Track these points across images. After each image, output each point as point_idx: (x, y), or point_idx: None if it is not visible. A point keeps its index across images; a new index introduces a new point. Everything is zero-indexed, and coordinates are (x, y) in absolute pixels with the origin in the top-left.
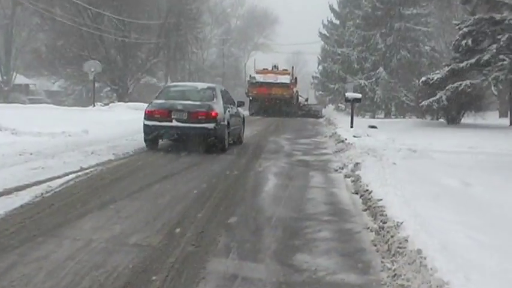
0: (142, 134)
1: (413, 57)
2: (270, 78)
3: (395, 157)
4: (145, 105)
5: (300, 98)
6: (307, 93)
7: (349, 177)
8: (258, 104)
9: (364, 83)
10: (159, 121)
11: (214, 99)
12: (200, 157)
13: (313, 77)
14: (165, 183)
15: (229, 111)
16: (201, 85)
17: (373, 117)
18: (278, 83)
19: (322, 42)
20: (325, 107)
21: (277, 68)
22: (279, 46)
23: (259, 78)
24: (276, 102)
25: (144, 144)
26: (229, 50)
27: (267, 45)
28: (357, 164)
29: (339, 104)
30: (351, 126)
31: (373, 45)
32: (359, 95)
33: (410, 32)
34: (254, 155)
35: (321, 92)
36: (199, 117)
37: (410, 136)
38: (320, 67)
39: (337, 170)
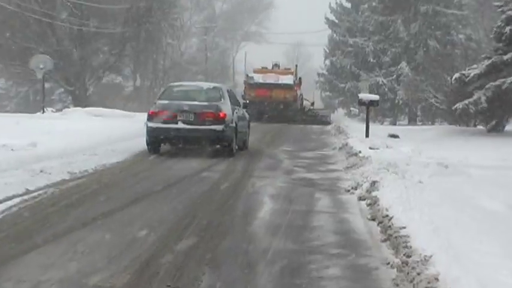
0: (145, 137)
1: (444, 49)
2: (271, 78)
3: (422, 174)
4: (110, 110)
5: (304, 101)
6: (312, 96)
7: (364, 200)
8: (256, 108)
9: (383, 82)
10: (164, 123)
11: (222, 99)
12: (177, 176)
13: (318, 74)
14: (134, 208)
15: (236, 112)
16: (206, 84)
17: (394, 124)
18: (280, 84)
19: (330, 31)
20: (333, 112)
21: (279, 67)
22: (275, 36)
23: (258, 78)
24: (277, 107)
25: (107, 159)
26: (213, 40)
27: (261, 34)
28: (373, 182)
29: (351, 108)
30: (366, 136)
31: (394, 34)
32: (376, 97)
33: (440, 17)
34: (245, 172)
35: (328, 93)
36: (207, 119)
37: (441, 147)
38: (327, 62)
39: (349, 191)
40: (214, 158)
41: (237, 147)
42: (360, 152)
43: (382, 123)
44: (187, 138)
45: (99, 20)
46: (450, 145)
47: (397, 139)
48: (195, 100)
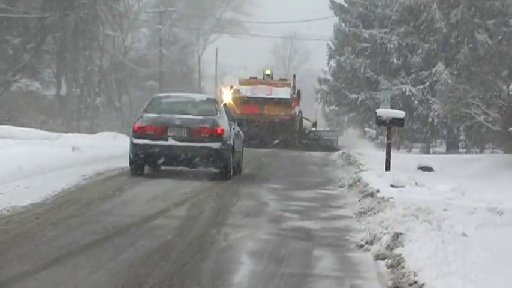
0: (129, 155)
1: (499, 45)
2: (262, 91)
3: (467, 224)
4: (22, 130)
5: (304, 121)
6: (315, 114)
7: (383, 260)
8: (242, 129)
9: (411, 91)
10: (152, 139)
11: (218, 113)
12: (119, 224)
13: (319, 81)
14: (54, 272)
15: (233, 129)
16: (198, 96)
17: (427, 152)
18: (273, 99)
19: (337, 19)
20: (341, 134)
21: (272, 77)
22: (259, 26)
23: (246, 91)
24: (270, 127)
25: (18, 200)
26: (171, 32)
27: (239, 23)
28: (397, 235)
29: (366, 129)
30: (387, 168)
31: (427, 24)
32: (401, 113)
33: (493, 0)
34: (214, 219)
35: (333, 107)
36: (202, 135)
37: (493, 186)
38: (332, 63)
39: (362, 247)
40: (170, 199)
41: (233, 168)
42: (377, 191)
43: (409, 151)
44: (178, 157)
45: (7, 1)
46: (506, 182)
47: (430, 173)
48: (187, 113)
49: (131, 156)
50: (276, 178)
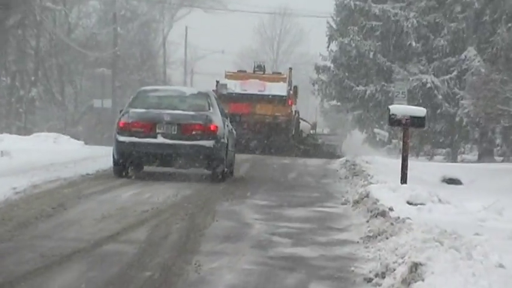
0: (113, 155)
1: None
2: (253, 87)
3: (504, 252)
4: None
5: (301, 122)
6: (315, 115)
7: None
8: None
9: (433, 83)
10: (139, 137)
11: (211, 108)
12: (62, 250)
13: (317, 69)
14: None
15: (227, 125)
16: (189, 90)
17: (454, 160)
18: (267, 96)
19: None
20: (345, 137)
21: (264, 70)
22: None
23: (234, 86)
24: (262, 129)
25: None
26: (128, 5)
27: None
28: (415, 266)
29: (376, 130)
30: (403, 181)
31: None
32: (421, 111)
33: None
34: (183, 244)
35: (334, 102)
36: (194, 132)
37: None
38: (333, 46)
39: (371, 280)
40: (126, 218)
41: (226, 169)
42: (391, 209)
43: (431, 158)
44: (168, 156)
45: None
46: None
47: (458, 187)
48: (177, 109)
49: (115, 156)
50: (262, 192)
